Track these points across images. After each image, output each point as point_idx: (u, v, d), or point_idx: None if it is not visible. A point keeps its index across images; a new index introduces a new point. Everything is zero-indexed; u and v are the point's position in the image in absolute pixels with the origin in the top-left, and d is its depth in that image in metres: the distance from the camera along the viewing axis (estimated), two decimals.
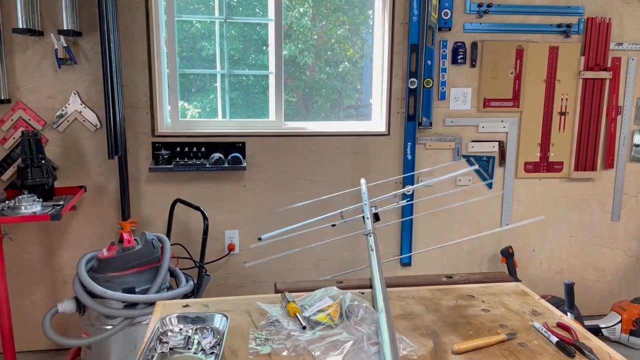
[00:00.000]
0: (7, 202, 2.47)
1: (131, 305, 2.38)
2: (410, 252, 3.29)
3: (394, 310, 1.49)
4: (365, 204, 2.06)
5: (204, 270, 2.72)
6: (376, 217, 2.54)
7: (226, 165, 2.93)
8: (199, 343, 1.26)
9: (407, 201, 3.21)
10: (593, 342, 1.32)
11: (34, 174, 2.57)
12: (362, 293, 1.57)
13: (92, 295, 2.36)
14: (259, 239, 2.05)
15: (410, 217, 3.26)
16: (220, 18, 3.07)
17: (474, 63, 3.14)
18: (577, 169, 3.32)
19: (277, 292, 1.62)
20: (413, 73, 3.07)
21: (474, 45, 3.12)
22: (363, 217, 2.18)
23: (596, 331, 3.13)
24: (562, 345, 1.29)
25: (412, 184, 3.20)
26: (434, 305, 1.52)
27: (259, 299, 1.52)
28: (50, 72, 2.78)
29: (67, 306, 2.44)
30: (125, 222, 2.81)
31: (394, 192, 2.63)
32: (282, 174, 3.11)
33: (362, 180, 2.65)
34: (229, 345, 1.27)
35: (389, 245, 3.25)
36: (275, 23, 3.05)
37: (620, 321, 3.13)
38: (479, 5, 3.08)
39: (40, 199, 2.51)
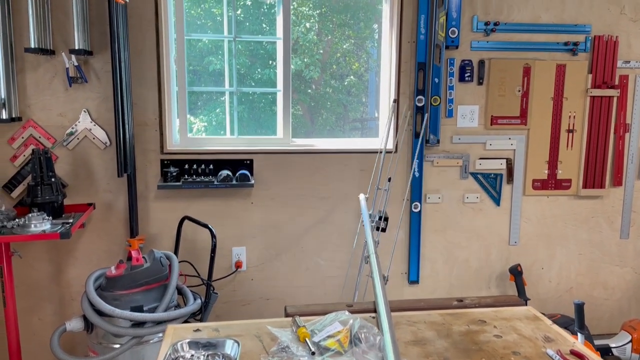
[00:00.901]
0: (16, 219, 2.48)
1: (139, 324, 2.38)
2: (418, 268, 3.28)
3: (405, 336, 1.49)
4: (365, 223, 2.04)
5: (212, 289, 2.71)
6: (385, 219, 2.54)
7: (234, 182, 2.94)
8: None
9: (416, 209, 3.20)
10: None
11: (44, 191, 2.58)
12: (373, 317, 1.56)
13: (100, 313, 2.36)
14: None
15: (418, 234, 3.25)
16: (230, 37, 3.10)
17: (481, 81, 3.15)
18: (585, 186, 3.31)
19: (287, 315, 1.62)
20: (420, 91, 3.09)
21: (481, 63, 3.13)
22: (378, 227, 2.16)
23: (606, 351, 3.09)
24: None
25: (420, 201, 3.20)
26: (446, 331, 1.51)
27: (270, 323, 1.51)
28: (61, 90, 2.81)
29: (75, 324, 2.44)
30: (134, 240, 2.82)
31: (384, 187, 2.62)
32: (289, 191, 3.11)
33: (361, 196, 2.63)
34: None
35: (396, 262, 3.24)
36: (283, 41, 3.07)
37: (631, 341, 3.09)
38: (486, 24, 3.10)
39: (50, 217, 2.52)
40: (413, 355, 1.38)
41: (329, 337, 1.41)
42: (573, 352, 1.39)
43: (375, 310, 1.62)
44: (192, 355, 1.32)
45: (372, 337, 1.37)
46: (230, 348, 1.34)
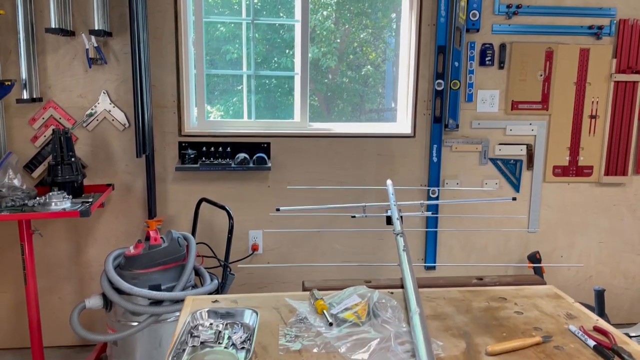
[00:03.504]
0: (37, 198, 2.51)
1: (157, 302, 2.40)
2: (435, 254, 3.25)
3: (425, 310, 1.47)
4: (394, 205, 2.03)
5: (229, 269, 2.72)
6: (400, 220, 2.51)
7: (251, 165, 2.94)
8: (229, 338, 1.26)
9: (432, 213, 3.17)
10: (632, 346, 1.28)
11: (64, 171, 2.61)
12: (392, 293, 1.55)
13: (119, 291, 2.38)
14: (277, 210, 2.08)
15: (435, 229, 3.22)
16: (247, 19, 3.09)
17: (502, 65, 3.10)
18: (607, 173, 3.24)
19: (304, 290, 1.61)
20: (440, 74, 3.05)
21: (503, 46, 3.08)
22: (388, 217, 2.15)
23: None
24: (600, 349, 1.25)
25: (438, 187, 3.17)
26: (465, 307, 1.50)
27: (288, 296, 1.51)
28: (80, 71, 2.83)
29: (94, 302, 2.46)
30: (152, 221, 2.84)
31: (420, 201, 2.60)
32: (306, 175, 3.10)
33: (389, 182, 2.62)
34: (259, 340, 1.26)
35: (413, 248, 3.22)
36: (301, 24, 3.06)
37: None
38: (508, 7, 3.04)
39: (70, 196, 2.54)
40: (432, 329, 1.36)
41: (347, 309, 1.40)
42: (597, 329, 1.36)
43: (395, 287, 1.61)
44: (211, 324, 1.32)
45: (391, 309, 1.36)
46: (248, 318, 1.34)
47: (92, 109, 2.86)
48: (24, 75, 2.69)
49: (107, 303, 2.47)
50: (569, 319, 1.43)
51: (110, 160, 2.93)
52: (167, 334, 2.45)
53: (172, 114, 2.95)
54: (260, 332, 1.30)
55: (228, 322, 1.33)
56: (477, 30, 3.03)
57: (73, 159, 2.64)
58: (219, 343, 1.24)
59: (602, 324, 1.39)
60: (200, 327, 1.30)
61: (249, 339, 1.25)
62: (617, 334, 1.33)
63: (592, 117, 3.20)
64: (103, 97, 2.86)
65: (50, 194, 2.48)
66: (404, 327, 1.31)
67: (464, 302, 1.52)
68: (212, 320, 1.33)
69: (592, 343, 1.28)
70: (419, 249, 3.24)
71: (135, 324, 2.41)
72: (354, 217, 2.20)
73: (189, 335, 1.26)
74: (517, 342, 1.27)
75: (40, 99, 2.80)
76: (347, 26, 3.65)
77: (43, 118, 2.84)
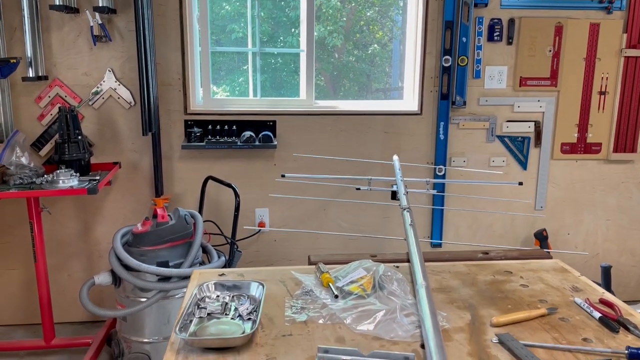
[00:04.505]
0: (45, 176, 2.53)
1: (165, 278, 2.42)
2: (441, 232, 3.25)
3: (430, 284, 1.47)
4: (400, 180, 2.03)
5: (236, 247, 2.74)
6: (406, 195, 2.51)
7: (257, 143, 2.94)
8: (236, 309, 1.27)
9: (438, 192, 3.16)
10: (637, 318, 1.28)
11: (71, 149, 2.62)
12: (397, 267, 1.56)
13: (128, 268, 2.41)
14: (282, 176, 2.12)
15: (442, 207, 3.21)
16: None
17: (510, 40, 3.05)
18: (616, 150, 3.21)
19: (310, 264, 1.62)
20: (447, 51, 3.01)
21: (511, 21, 3.03)
22: (393, 192, 2.16)
23: None
24: (606, 321, 1.25)
25: (444, 164, 3.15)
26: (471, 280, 1.50)
27: (294, 269, 1.52)
28: (85, 49, 2.82)
29: (103, 278, 2.49)
30: (159, 199, 2.86)
31: (426, 179, 2.60)
32: (311, 153, 3.09)
33: (395, 157, 2.62)
34: (265, 312, 1.28)
35: (419, 226, 3.22)
36: (307, 1, 3.02)
37: None
38: None
39: (77, 174, 2.56)
40: (437, 301, 1.37)
41: (352, 282, 1.41)
42: (602, 301, 1.36)
43: (400, 261, 1.62)
44: (218, 296, 1.33)
45: (397, 282, 1.37)
46: (255, 290, 1.35)
47: (97, 87, 2.86)
48: (29, 53, 2.69)
49: (116, 279, 2.50)
50: (574, 292, 1.43)
51: (117, 138, 2.93)
52: (176, 310, 2.47)
53: (177, 92, 2.94)
54: (266, 304, 1.31)
55: (235, 294, 1.34)
56: (486, 5, 2.99)
57: (80, 137, 2.65)
58: (226, 314, 1.25)
59: (608, 296, 1.39)
60: (207, 299, 1.31)
61: (255, 311, 1.26)
62: (623, 306, 1.33)
63: (601, 93, 3.16)
64: (108, 75, 2.85)
65: (58, 171, 2.50)
66: (410, 300, 1.32)
67: (470, 276, 1.53)
68: (218, 293, 1.34)
69: (597, 315, 1.28)
70: (426, 227, 3.24)
71: (144, 300, 2.44)
72: (359, 189, 2.20)
73: (196, 306, 1.27)
74: (522, 313, 1.28)
75: (45, 77, 2.79)
76: (353, 4, 3.59)
77: (49, 96, 2.84)
